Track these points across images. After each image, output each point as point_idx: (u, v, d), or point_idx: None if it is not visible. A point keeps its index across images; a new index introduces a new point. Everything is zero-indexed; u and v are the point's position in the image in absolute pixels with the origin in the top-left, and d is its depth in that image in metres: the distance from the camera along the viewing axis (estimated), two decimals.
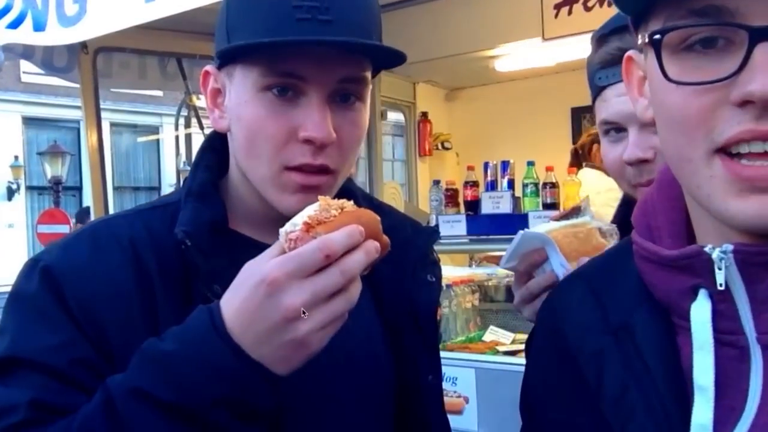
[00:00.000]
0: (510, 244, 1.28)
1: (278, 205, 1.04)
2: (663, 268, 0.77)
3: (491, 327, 3.81)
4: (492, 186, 3.69)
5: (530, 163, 3.59)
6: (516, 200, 3.60)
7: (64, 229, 9.76)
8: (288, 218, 1.05)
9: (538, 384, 0.95)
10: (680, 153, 0.71)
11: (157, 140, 17.43)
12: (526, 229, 1.27)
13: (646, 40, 0.71)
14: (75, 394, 0.92)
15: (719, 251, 0.70)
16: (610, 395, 0.78)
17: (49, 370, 0.93)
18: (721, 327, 0.72)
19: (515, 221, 3.44)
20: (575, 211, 1.29)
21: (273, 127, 0.99)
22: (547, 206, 3.48)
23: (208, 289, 0.97)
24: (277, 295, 0.83)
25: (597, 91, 1.29)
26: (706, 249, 0.72)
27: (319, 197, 0.91)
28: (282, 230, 0.88)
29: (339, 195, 1.16)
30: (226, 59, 1.04)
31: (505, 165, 3.69)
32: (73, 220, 9.87)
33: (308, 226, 0.86)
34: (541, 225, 1.29)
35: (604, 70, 1.25)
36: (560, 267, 1.22)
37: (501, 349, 3.52)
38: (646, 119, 0.79)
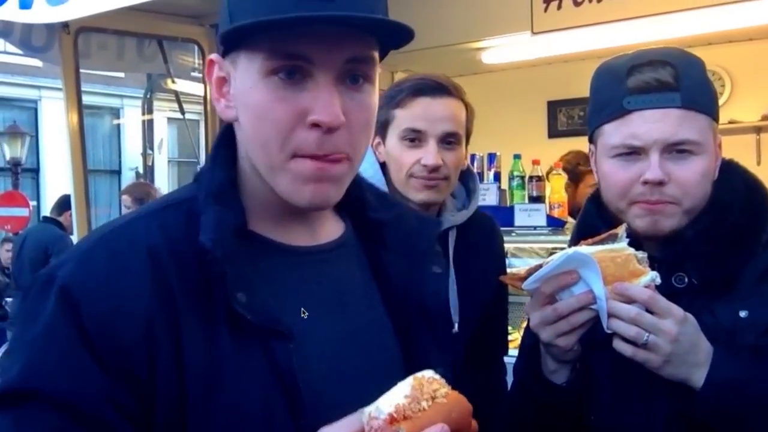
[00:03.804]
0: (551, 263, 1.24)
1: (290, 196, 0.98)
2: None
3: None
4: (478, 178, 3.69)
5: (517, 156, 3.61)
6: (502, 193, 3.62)
7: (23, 212, 9.48)
8: (298, 210, 1.01)
9: None
10: None
11: (118, 123, 17.10)
12: (574, 249, 1.25)
13: None
14: None
15: None
16: None
17: (68, 407, 0.86)
18: None
19: (501, 214, 3.46)
20: (612, 237, 1.28)
21: (279, 111, 0.94)
22: (533, 199, 3.50)
23: (232, 298, 0.93)
24: None
25: (619, 113, 1.34)
26: None
27: (413, 377, 0.87)
28: (366, 410, 0.84)
29: None
30: (230, 45, 0.98)
31: (491, 157, 3.70)
32: (33, 203, 9.61)
33: (392, 419, 0.81)
34: (577, 248, 1.27)
35: (634, 96, 1.32)
36: (601, 289, 1.21)
37: None
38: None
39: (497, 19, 3.96)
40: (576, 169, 4.52)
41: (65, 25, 3.37)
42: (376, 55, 1.00)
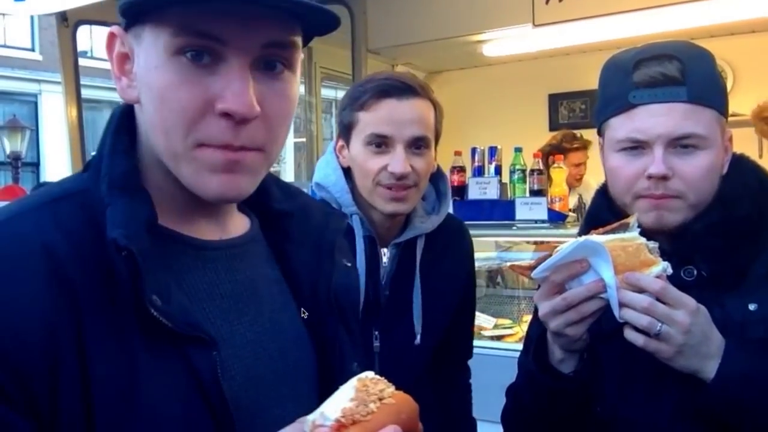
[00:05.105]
0: (561, 251, 1.23)
1: (196, 187, 0.89)
2: None
3: None
4: (479, 171, 3.68)
5: (518, 150, 3.59)
6: (503, 186, 3.60)
7: None
8: (206, 202, 0.93)
9: None
10: None
11: None
12: (585, 237, 1.24)
13: None
14: None
15: None
16: None
17: None
18: None
19: (502, 207, 3.45)
20: (623, 227, 1.27)
21: (184, 96, 0.84)
22: (535, 193, 3.49)
23: (147, 301, 0.82)
24: None
25: (624, 108, 1.35)
26: None
27: (356, 378, 0.81)
28: (309, 418, 0.78)
29: None
30: (133, 18, 0.87)
31: (492, 150, 3.68)
32: None
33: (340, 425, 0.76)
34: (587, 236, 1.25)
35: (640, 90, 1.33)
36: (612, 278, 1.20)
37: (485, 333, 3.54)
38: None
39: (498, 11, 3.93)
40: (560, 146, 4.56)
41: (64, 18, 3.35)
42: (299, 41, 0.91)
